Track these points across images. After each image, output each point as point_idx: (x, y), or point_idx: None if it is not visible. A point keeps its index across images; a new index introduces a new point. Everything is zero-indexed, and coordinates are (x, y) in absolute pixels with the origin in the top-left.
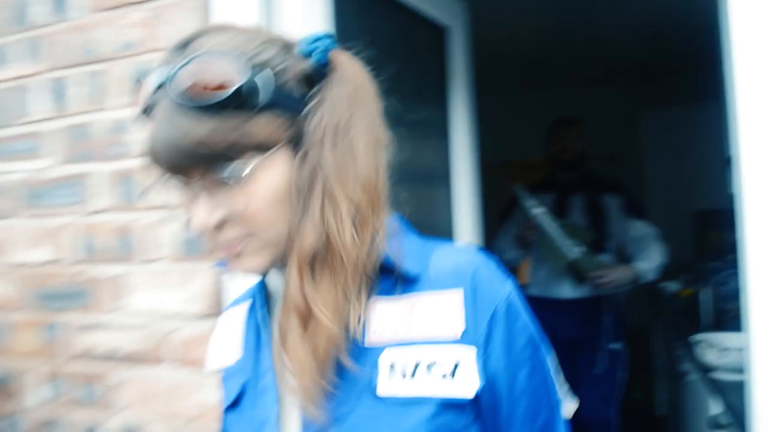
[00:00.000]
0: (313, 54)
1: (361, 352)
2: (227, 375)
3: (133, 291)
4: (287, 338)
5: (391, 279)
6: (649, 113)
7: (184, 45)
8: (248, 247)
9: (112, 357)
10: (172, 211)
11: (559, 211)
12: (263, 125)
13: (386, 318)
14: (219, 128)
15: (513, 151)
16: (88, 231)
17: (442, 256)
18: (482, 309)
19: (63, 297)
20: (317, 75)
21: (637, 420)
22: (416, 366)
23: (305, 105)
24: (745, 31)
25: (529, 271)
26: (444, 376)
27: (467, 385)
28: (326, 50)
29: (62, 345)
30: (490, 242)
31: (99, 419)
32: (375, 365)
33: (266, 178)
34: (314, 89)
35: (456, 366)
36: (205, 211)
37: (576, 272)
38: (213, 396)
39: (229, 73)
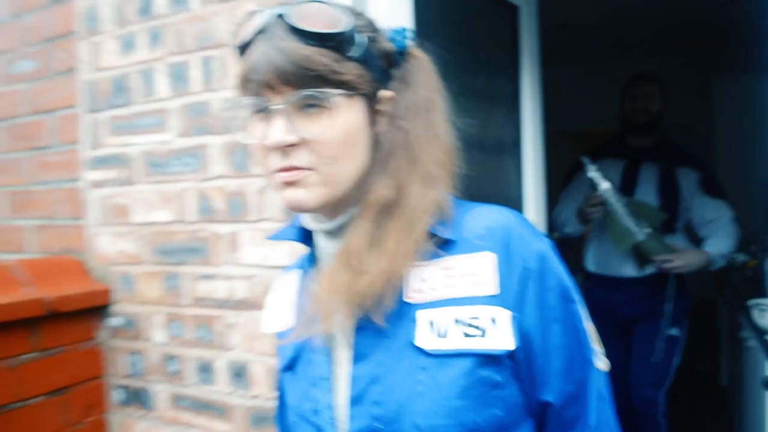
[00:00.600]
0: (396, 40)
1: (402, 309)
2: (282, 338)
3: (243, 246)
4: (337, 275)
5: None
6: (720, 82)
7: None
8: (308, 179)
9: (224, 303)
10: None
11: (628, 182)
12: (351, 70)
13: (424, 278)
14: (319, 54)
15: (582, 121)
16: (205, 194)
17: (474, 218)
18: (514, 268)
19: (183, 252)
20: (396, 57)
21: (701, 391)
22: (454, 323)
23: (385, 76)
24: None
25: (589, 245)
26: (481, 332)
27: (503, 340)
28: (406, 40)
29: (182, 293)
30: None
31: (211, 357)
32: (414, 322)
33: (343, 116)
34: (395, 68)
35: (492, 322)
36: (283, 130)
37: (640, 255)
38: None
39: (337, 19)
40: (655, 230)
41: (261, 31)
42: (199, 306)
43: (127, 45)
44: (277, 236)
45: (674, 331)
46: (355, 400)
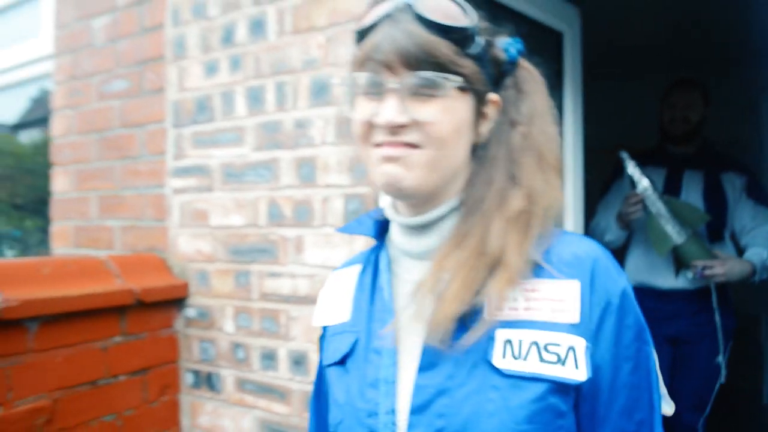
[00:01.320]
0: (508, 51)
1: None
2: (333, 333)
3: (307, 249)
4: (460, 274)
5: None
6: None
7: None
8: (412, 158)
9: (288, 299)
10: (338, 189)
11: (672, 189)
12: (468, 66)
13: (506, 297)
14: (441, 43)
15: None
16: (275, 202)
17: (563, 245)
18: (597, 301)
19: (254, 252)
20: (506, 66)
21: (742, 410)
22: (531, 346)
23: (494, 81)
24: None
25: (629, 255)
26: (558, 360)
27: (578, 371)
28: (519, 52)
29: (251, 288)
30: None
31: (274, 346)
32: (492, 339)
33: (455, 105)
34: (504, 76)
35: (569, 351)
36: (396, 110)
37: (678, 259)
38: None
39: (462, 14)
40: (696, 233)
41: (387, 16)
42: (265, 300)
43: (210, 69)
44: (347, 229)
45: (720, 358)
46: (418, 409)
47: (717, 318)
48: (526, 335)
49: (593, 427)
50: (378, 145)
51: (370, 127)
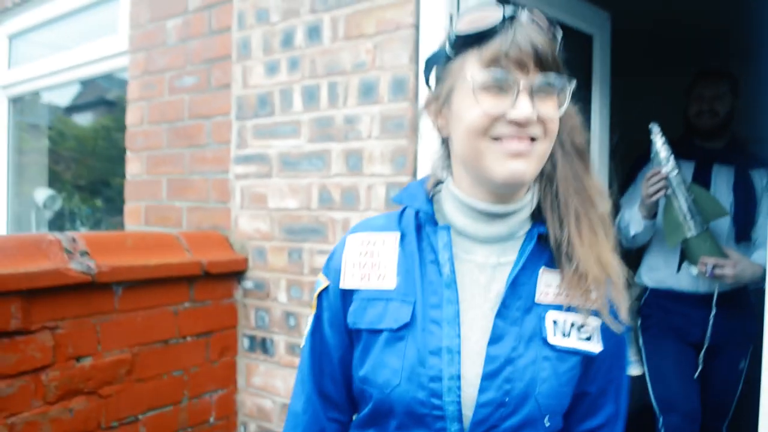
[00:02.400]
0: None
1: (532, 306)
2: (370, 298)
3: None
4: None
5: (551, 253)
6: None
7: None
8: (535, 150)
9: None
10: (381, 178)
11: (700, 184)
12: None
13: (549, 283)
14: (557, 47)
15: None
16: (326, 188)
17: None
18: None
19: (306, 232)
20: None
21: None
22: (572, 327)
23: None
24: None
25: (648, 253)
26: (588, 338)
27: (598, 345)
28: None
29: (303, 264)
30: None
31: None
32: (542, 319)
33: (559, 103)
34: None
35: (596, 330)
36: (530, 106)
37: (686, 253)
38: None
39: (556, 28)
40: (709, 228)
41: (512, 19)
42: (315, 275)
43: (271, 69)
44: (402, 200)
45: (742, 364)
46: (489, 376)
47: (744, 326)
48: (568, 317)
49: (586, 383)
50: (497, 138)
51: (493, 120)
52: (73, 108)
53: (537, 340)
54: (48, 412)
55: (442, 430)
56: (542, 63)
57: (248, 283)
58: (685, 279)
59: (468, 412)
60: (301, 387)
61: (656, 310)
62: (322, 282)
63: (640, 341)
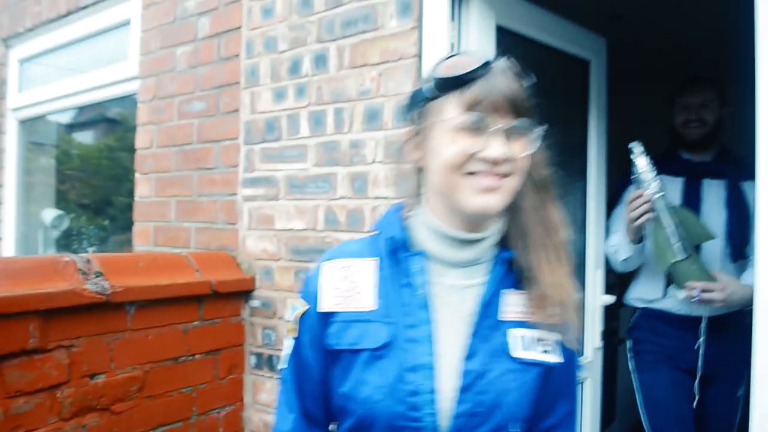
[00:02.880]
0: None
1: (497, 324)
2: (350, 320)
3: None
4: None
5: (516, 276)
6: None
7: (487, 57)
8: (506, 185)
9: None
10: (385, 200)
11: (691, 201)
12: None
13: (508, 303)
14: (528, 94)
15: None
16: (332, 210)
17: None
18: None
19: (312, 252)
20: None
21: None
22: (534, 341)
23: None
24: None
25: (639, 274)
26: (547, 350)
27: (558, 357)
28: None
29: None
30: None
31: None
32: (506, 335)
33: (529, 143)
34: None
35: (555, 344)
36: (503, 147)
37: (673, 277)
38: None
39: (529, 76)
40: (696, 251)
41: (488, 67)
42: None
43: (279, 95)
44: (382, 229)
45: (740, 392)
46: (465, 389)
47: (738, 351)
48: (529, 332)
49: (545, 388)
50: (471, 174)
51: (469, 158)
52: (74, 126)
53: (503, 355)
54: (63, 428)
55: None
56: (515, 108)
57: (255, 302)
58: (673, 302)
59: (443, 423)
60: (288, 408)
61: (647, 333)
62: (301, 306)
63: (632, 365)
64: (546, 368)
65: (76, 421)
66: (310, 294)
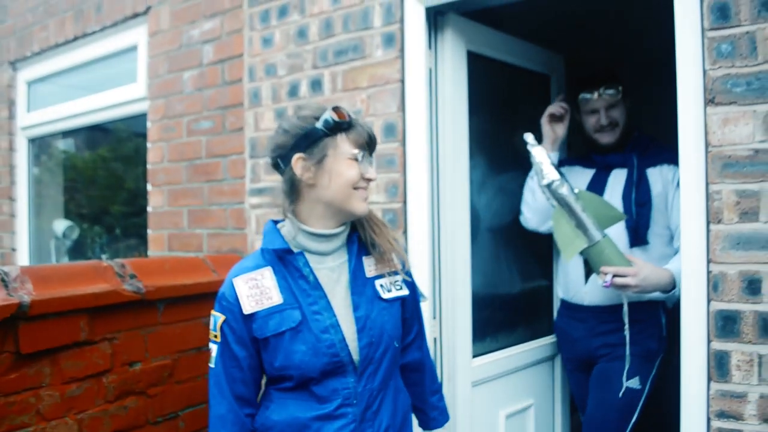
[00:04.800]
0: None
1: (366, 280)
2: (268, 313)
3: None
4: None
5: (365, 248)
6: None
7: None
8: (370, 196)
9: None
10: (378, 205)
11: (593, 191)
12: None
13: (370, 265)
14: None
15: None
16: None
17: None
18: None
19: None
20: None
21: None
22: (391, 285)
23: None
24: None
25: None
26: (400, 288)
27: (406, 291)
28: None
29: None
30: None
31: None
32: (374, 287)
33: None
34: None
35: (402, 284)
36: (374, 170)
37: (587, 265)
38: None
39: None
40: (606, 235)
41: (354, 120)
42: None
43: (280, 115)
44: (273, 245)
45: (633, 383)
46: (360, 330)
47: (636, 337)
48: (386, 280)
49: (404, 314)
50: (356, 188)
51: (359, 179)
52: (68, 133)
53: (376, 300)
54: (108, 410)
55: (346, 372)
56: (374, 143)
57: None
58: (581, 292)
59: (354, 356)
60: (221, 394)
61: (561, 323)
62: (220, 317)
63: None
64: (402, 300)
65: (119, 403)
66: (231, 304)
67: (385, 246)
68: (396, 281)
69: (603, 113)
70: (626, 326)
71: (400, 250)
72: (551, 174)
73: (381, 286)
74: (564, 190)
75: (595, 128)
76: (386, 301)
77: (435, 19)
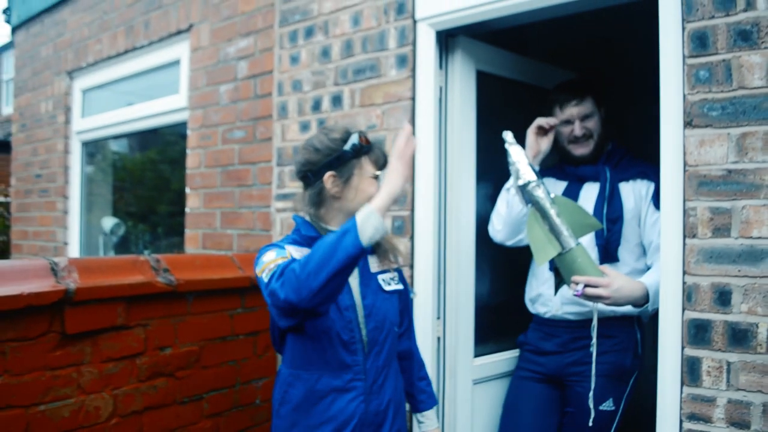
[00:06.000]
0: None
1: (371, 274)
2: None
3: None
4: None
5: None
6: None
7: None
8: None
9: None
10: (389, 212)
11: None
12: None
13: (373, 262)
14: None
15: None
16: None
17: None
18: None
19: None
20: None
21: None
22: (390, 280)
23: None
24: None
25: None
26: (397, 283)
27: (401, 285)
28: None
29: None
30: None
31: None
32: (377, 280)
33: None
34: None
35: (399, 280)
36: None
37: (558, 273)
38: None
39: None
40: (580, 244)
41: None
42: None
43: (304, 127)
44: (307, 231)
45: (607, 405)
46: (368, 315)
47: (594, 354)
48: (387, 275)
49: (404, 309)
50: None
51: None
52: (119, 135)
53: (380, 291)
54: (140, 388)
55: (356, 350)
56: (387, 164)
57: None
58: (558, 303)
59: (364, 334)
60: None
61: (530, 338)
62: (282, 252)
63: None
64: (399, 292)
65: (150, 383)
66: (286, 255)
67: (387, 246)
68: (393, 277)
69: (577, 124)
70: (593, 342)
71: (398, 251)
72: (528, 174)
73: (383, 280)
74: (540, 193)
75: (569, 139)
76: (387, 293)
77: (446, 41)
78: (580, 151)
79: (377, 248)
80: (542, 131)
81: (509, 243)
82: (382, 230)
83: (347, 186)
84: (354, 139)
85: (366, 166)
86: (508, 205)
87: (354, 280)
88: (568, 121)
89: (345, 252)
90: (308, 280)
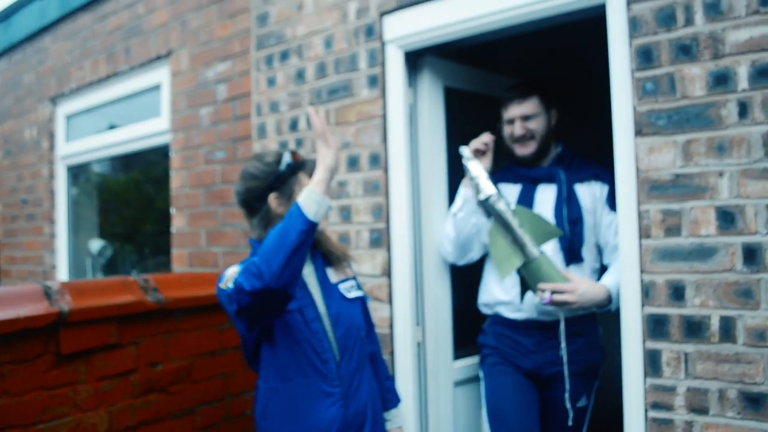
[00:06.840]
0: None
1: (333, 285)
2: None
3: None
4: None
5: (326, 259)
6: None
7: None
8: None
9: None
10: (365, 225)
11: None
12: None
13: (331, 273)
14: None
15: None
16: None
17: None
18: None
19: None
20: None
21: None
22: (351, 288)
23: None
24: None
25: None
26: (357, 289)
27: (360, 292)
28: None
29: None
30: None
31: None
32: (338, 290)
33: None
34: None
35: (359, 286)
36: None
37: (524, 281)
38: None
39: None
40: (543, 252)
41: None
42: None
43: (283, 146)
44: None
45: (582, 402)
46: (334, 324)
47: (564, 353)
48: (348, 284)
49: (365, 315)
50: None
51: None
52: (103, 159)
53: (342, 300)
54: (134, 404)
55: (329, 359)
56: None
57: None
58: (518, 308)
59: (333, 342)
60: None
61: (491, 338)
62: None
63: (481, 374)
64: (360, 299)
65: (143, 398)
66: None
67: (339, 254)
68: (353, 285)
69: (518, 123)
70: (563, 345)
71: (351, 258)
72: (488, 188)
73: (344, 289)
74: (501, 206)
75: (511, 138)
76: (350, 300)
77: (414, 60)
78: (521, 151)
79: (331, 257)
80: (479, 153)
81: (461, 263)
82: (325, 204)
83: (290, 202)
84: (287, 158)
85: (303, 180)
86: (455, 228)
87: (316, 292)
88: (511, 121)
89: (295, 231)
90: (269, 263)
